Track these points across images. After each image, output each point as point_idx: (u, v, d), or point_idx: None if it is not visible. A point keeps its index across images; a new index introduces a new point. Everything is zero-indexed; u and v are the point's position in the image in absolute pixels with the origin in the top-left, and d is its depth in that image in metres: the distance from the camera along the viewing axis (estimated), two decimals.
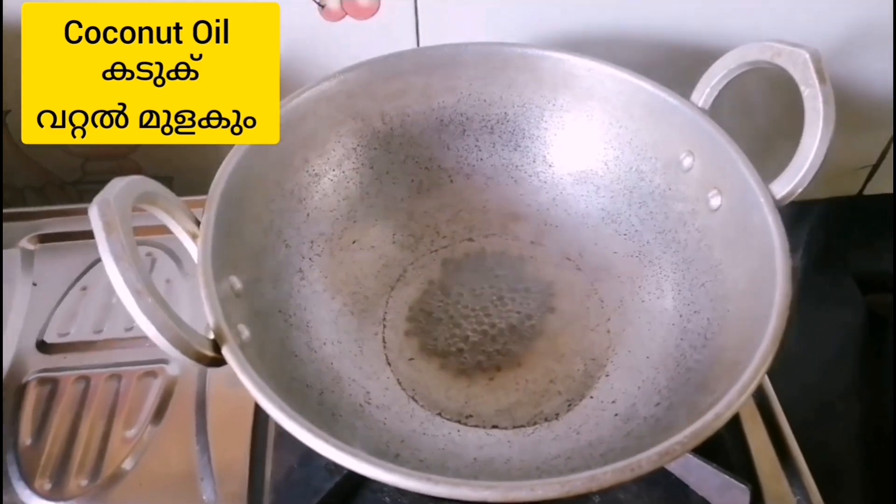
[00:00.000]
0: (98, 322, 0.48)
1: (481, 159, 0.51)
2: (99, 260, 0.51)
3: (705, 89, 0.43)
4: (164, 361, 0.46)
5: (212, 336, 0.32)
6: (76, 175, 0.62)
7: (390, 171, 0.49)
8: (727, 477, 0.38)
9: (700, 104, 0.44)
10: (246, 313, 0.37)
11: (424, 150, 0.50)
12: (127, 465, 0.41)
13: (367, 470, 0.28)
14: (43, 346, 0.46)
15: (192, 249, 0.36)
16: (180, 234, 0.36)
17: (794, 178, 0.38)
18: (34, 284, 0.50)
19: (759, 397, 0.44)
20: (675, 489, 0.40)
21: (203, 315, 0.33)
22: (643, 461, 0.29)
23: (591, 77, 0.46)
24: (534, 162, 0.50)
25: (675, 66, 0.50)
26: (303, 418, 0.30)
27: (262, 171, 0.42)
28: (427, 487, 0.28)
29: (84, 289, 0.50)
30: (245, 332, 0.35)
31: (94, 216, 0.30)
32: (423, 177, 0.50)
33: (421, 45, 0.52)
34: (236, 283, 0.37)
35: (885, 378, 0.54)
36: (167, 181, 0.49)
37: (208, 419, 0.43)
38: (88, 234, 0.53)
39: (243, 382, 0.31)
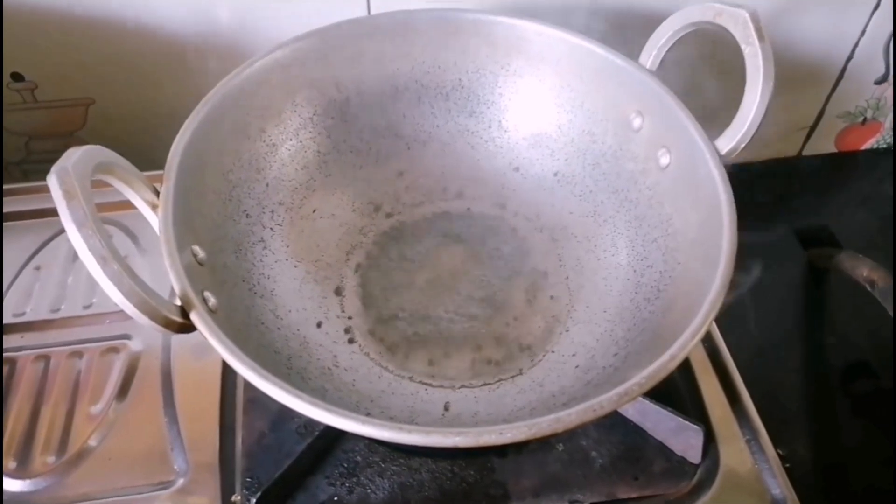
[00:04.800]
0: (55, 300, 0.47)
1: (437, 126, 0.51)
2: (51, 238, 0.51)
3: (652, 51, 0.45)
4: (127, 337, 0.45)
5: (178, 303, 0.33)
6: (20, 155, 0.60)
7: (347, 139, 0.49)
8: (681, 419, 0.40)
9: (648, 66, 0.45)
10: (210, 282, 0.37)
11: (380, 118, 0.50)
12: (93, 441, 0.41)
13: (342, 423, 0.29)
14: None
15: (153, 219, 0.36)
16: (140, 204, 0.36)
17: (737, 133, 0.40)
18: None
19: (710, 348, 0.46)
20: (633, 434, 0.42)
21: (165, 290, 0.33)
22: (604, 402, 0.30)
23: (543, 41, 0.47)
24: (489, 127, 0.51)
25: (623, 29, 0.51)
26: (275, 377, 0.30)
27: (219, 141, 0.42)
28: (400, 437, 0.29)
29: (38, 268, 0.49)
30: (212, 300, 0.35)
31: (54, 184, 0.29)
32: (381, 145, 0.50)
33: (372, 12, 0.52)
34: (199, 251, 0.37)
35: (825, 326, 0.58)
36: None
37: (175, 392, 0.43)
38: (38, 213, 0.53)
39: (214, 346, 0.31)
